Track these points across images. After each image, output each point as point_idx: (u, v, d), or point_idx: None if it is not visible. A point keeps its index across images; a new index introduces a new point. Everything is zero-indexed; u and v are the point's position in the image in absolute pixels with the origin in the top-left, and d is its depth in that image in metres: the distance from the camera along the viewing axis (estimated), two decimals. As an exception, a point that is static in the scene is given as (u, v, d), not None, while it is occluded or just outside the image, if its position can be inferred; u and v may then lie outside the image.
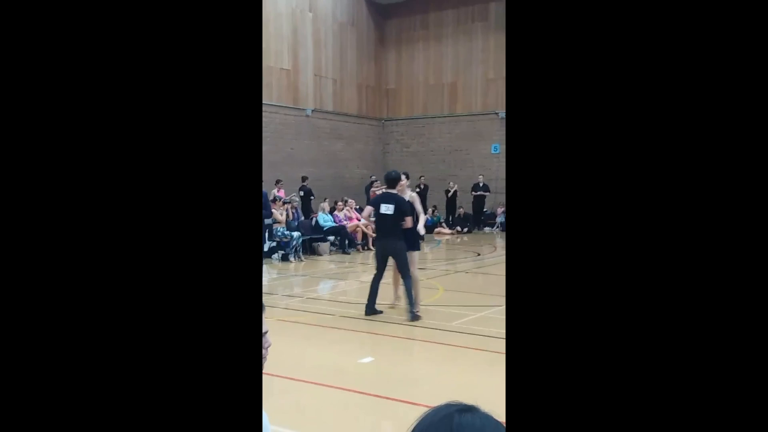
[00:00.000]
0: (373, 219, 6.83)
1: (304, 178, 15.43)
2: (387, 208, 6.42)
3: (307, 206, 14.68)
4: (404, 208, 6.44)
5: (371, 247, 13.23)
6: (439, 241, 15.76)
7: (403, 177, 7.01)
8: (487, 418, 0.83)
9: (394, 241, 6.47)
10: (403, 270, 6.51)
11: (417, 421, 0.84)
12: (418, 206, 6.92)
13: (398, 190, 6.86)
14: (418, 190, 15.46)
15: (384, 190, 6.74)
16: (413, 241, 6.70)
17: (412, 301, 6.50)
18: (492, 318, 6.91)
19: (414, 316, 6.50)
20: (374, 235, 13.23)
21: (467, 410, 0.83)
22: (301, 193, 15.00)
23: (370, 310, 6.67)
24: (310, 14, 17.40)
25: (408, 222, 6.48)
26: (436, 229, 17.18)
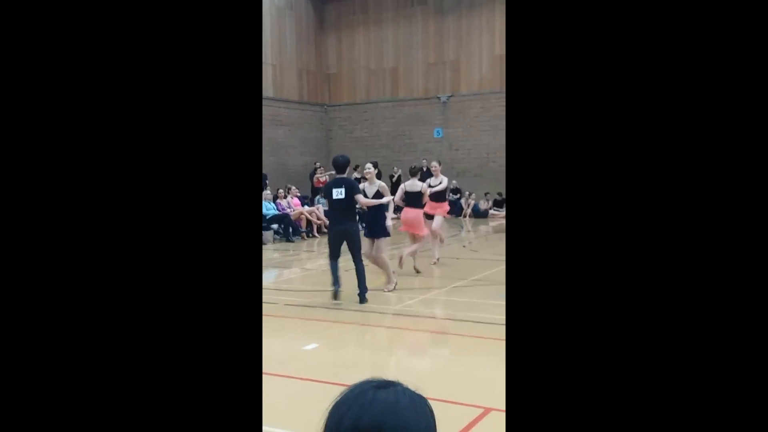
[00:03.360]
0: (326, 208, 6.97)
1: None
2: (338, 192, 6.43)
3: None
4: (355, 190, 6.47)
5: (316, 234, 13.18)
6: (385, 226, 15.87)
7: (369, 165, 7.25)
8: (404, 393, 0.83)
9: (349, 225, 6.49)
10: (355, 254, 6.56)
11: (336, 399, 0.83)
12: (388, 195, 7.02)
13: (368, 179, 7.04)
14: (357, 176, 15.55)
15: (335, 176, 6.76)
16: (381, 228, 6.87)
17: (363, 284, 6.56)
18: (435, 300, 7.01)
19: (363, 299, 6.56)
20: (319, 222, 13.26)
21: (384, 386, 0.83)
22: None
23: (337, 289, 6.65)
24: (247, -2, 17.01)
25: (360, 199, 6.49)
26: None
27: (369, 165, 7.26)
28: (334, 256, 6.60)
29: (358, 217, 6.98)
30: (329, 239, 6.73)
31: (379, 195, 6.85)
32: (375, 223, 6.92)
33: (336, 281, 6.64)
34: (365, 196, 6.83)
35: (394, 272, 7.29)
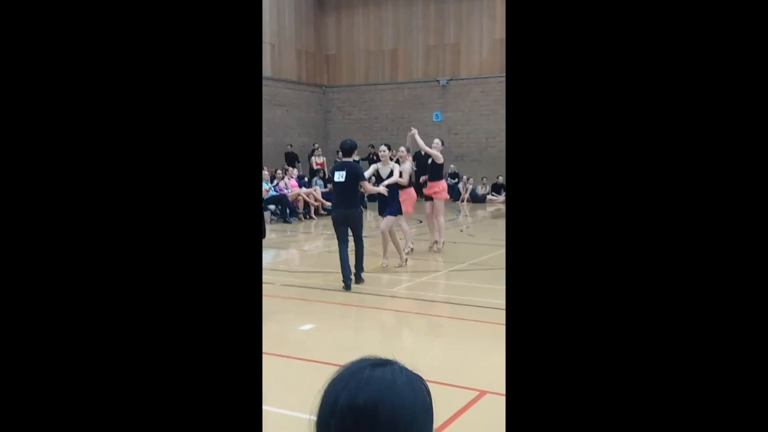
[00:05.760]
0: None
1: None
2: (339, 176, 6.37)
3: None
4: (357, 174, 6.37)
5: (313, 216, 13.14)
6: (382, 209, 15.85)
7: (384, 147, 7.57)
8: (401, 371, 0.83)
9: (347, 209, 6.39)
10: (356, 237, 6.52)
11: (331, 377, 0.84)
12: (396, 176, 7.29)
13: (382, 161, 7.38)
14: (356, 159, 15.57)
15: (341, 159, 6.74)
16: (394, 206, 7.27)
17: (360, 265, 6.57)
18: (433, 283, 7.01)
19: (358, 279, 6.56)
20: (316, 203, 13.23)
21: (381, 364, 0.83)
22: None
23: (348, 280, 6.39)
24: (246, -25, 16.78)
25: (365, 186, 6.53)
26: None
27: (384, 147, 7.58)
28: (340, 240, 6.43)
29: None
30: (333, 222, 6.67)
31: (391, 175, 7.25)
32: (383, 201, 7.31)
33: (345, 271, 6.35)
34: (380, 177, 7.12)
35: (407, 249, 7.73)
